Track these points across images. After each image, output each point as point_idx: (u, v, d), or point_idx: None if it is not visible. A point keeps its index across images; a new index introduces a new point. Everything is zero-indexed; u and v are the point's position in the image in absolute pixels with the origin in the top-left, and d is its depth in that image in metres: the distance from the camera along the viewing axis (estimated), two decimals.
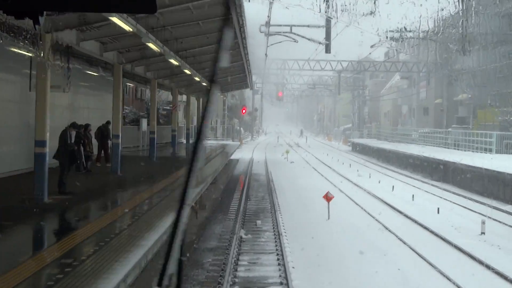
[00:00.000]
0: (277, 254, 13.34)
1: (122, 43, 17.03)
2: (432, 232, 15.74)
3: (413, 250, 13.58)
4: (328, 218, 17.45)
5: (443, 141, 43.95)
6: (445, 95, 47.97)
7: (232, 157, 42.46)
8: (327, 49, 30.45)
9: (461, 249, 13.55)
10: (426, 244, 14.26)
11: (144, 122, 34.20)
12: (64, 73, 16.57)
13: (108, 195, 13.91)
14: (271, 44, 38.20)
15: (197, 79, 24.03)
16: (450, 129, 44.57)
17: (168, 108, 44.91)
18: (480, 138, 36.56)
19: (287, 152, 42.83)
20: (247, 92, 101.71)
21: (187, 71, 20.82)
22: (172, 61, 17.77)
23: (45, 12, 1.67)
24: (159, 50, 14.95)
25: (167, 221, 9.76)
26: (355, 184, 27.72)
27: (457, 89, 46.18)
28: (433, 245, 14.28)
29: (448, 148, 41.78)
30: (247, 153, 52.40)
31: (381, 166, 40.25)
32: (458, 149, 39.38)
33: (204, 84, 27.82)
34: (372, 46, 41.21)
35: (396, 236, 15.11)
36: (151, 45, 13.94)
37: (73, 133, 14.12)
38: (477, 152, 35.86)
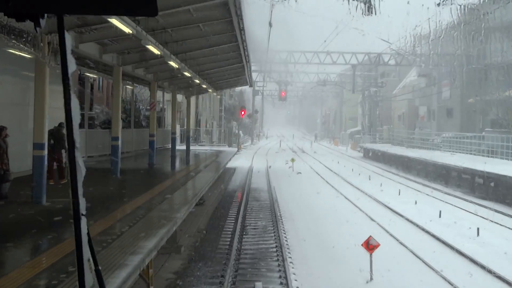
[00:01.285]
0: None
1: None
2: None
3: None
4: (371, 279, 10.89)
5: (475, 147, 37.39)
6: (478, 93, 41.41)
7: (229, 165, 36.16)
8: (369, 9, 21.09)
9: None
10: None
11: None
12: None
13: None
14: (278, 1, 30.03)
15: (174, 65, 17.40)
16: (484, 134, 38.06)
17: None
18: None
19: (293, 160, 36.38)
20: (247, 93, 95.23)
21: (152, 49, 14.18)
22: (125, 28, 11.26)
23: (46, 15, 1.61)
24: None
25: None
26: (386, 206, 21.13)
27: (491, 86, 39.65)
28: None
29: (483, 155, 35.28)
30: (246, 160, 45.89)
31: (405, 178, 33.65)
32: (498, 158, 32.90)
33: (187, 74, 21.25)
34: (438, 5, 33.50)
35: None
36: None
37: None
38: None
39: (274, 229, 16.55)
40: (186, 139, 37.30)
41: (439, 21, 40.45)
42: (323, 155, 57.12)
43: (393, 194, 24.98)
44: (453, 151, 39.58)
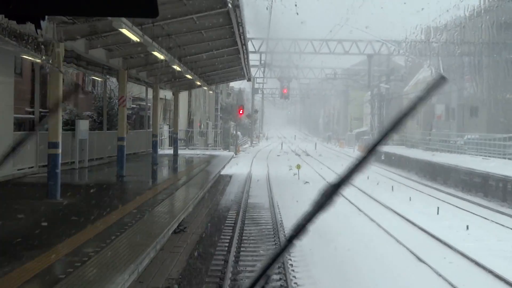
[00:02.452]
0: None
1: None
2: None
3: None
4: None
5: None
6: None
7: (224, 172, 30.99)
8: None
9: None
10: None
11: (83, 125, 22.21)
12: None
13: None
14: None
15: (132, 36, 11.99)
16: None
17: (134, 106, 33.08)
18: None
19: (298, 167, 30.96)
20: (246, 93, 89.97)
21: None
22: None
23: (46, 17, 1.64)
24: None
25: None
26: (430, 234, 15.66)
27: None
28: None
29: None
30: (244, 165, 40.49)
31: (433, 188, 28.20)
32: None
33: (160, 56, 15.82)
34: None
35: None
36: None
37: None
38: None
39: (281, 280, 11.12)
40: (173, 143, 31.97)
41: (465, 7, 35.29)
42: (329, 158, 51.70)
43: (430, 212, 19.57)
44: (484, 155, 34.19)
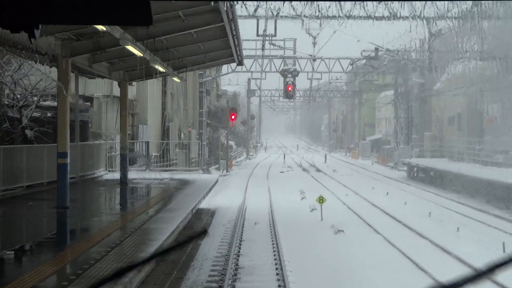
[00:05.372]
0: None
1: None
2: None
3: None
4: None
5: None
6: None
7: (205, 204, 19.91)
8: None
9: None
10: None
11: None
12: None
13: None
14: None
15: None
16: None
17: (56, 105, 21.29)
18: None
19: (321, 201, 19.11)
20: (242, 98, 78.94)
21: None
22: None
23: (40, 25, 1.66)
24: None
25: None
26: None
27: None
28: None
29: None
30: (236, 190, 28.94)
31: None
32: None
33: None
34: None
35: None
36: None
37: None
38: None
39: None
40: (120, 161, 20.43)
41: None
42: (348, 175, 40.03)
43: None
44: None
